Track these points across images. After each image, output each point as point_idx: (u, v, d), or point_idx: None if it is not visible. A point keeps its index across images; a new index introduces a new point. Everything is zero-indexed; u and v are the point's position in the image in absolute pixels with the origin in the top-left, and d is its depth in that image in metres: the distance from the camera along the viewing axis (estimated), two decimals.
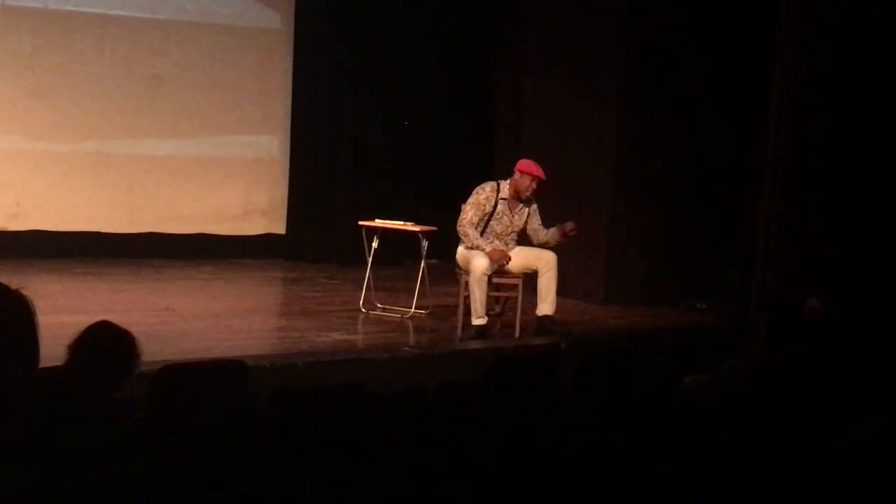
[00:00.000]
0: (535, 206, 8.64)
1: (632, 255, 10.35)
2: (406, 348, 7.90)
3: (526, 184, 8.46)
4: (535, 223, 8.62)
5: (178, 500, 3.18)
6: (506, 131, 11.51)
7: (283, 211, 12.17)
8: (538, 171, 8.47)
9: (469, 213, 8.49)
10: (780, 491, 3.59)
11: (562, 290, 8.72)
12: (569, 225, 8.48)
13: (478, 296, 8.32)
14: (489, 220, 8.51)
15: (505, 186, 8.54)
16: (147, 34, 11.37)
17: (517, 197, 8.53)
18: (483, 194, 8.52)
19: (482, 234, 8.50)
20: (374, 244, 9.16)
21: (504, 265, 8.46)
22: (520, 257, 8.57)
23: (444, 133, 12.22)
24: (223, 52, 11.76)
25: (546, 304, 8.50)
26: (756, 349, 5.33)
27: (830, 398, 4.60)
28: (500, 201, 8.51)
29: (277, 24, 12.07)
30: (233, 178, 11.92)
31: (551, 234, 8.57)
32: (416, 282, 9.02)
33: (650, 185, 10.29)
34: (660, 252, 10.33)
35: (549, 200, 9.88)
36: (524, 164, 8.55)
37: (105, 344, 3.92)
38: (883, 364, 5.04)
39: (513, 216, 8.56)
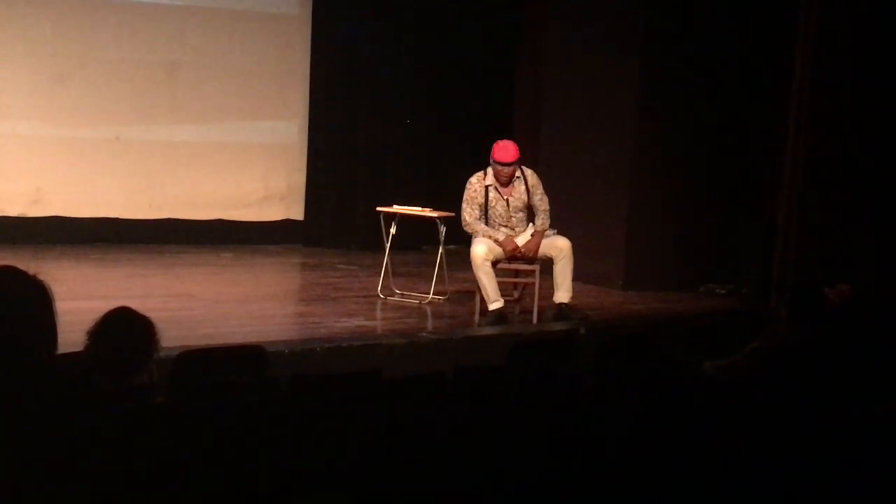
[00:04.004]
0: (533, 179, 8.51)
1: (651, 240, 10.29)
2: (424, 334, 7.88)
3: (497, 170, 8.39)
4: (535, 199, 8.50)
5: (196, 486, 3.18)
6: (525, 117, 11.46)
7: (302, 196, 12.17)
8: (497, 155, 8.35)
9: (466, 210, 8.47)
10: (800, 473, 3.57)
11: (581, 276, 8.68)
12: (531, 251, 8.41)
13: (485, 282, 8.30)
14: (486, 209, 8.48)
15: (490, 172, 8.48)
16: (166, 20, 11.36)
17: (500, 182, 8.46)
18: (472, 188, 8.48)
19: (487, 223, 8.46)
20: (393, 230, 9.15)
21: (517, 254, 8.42)
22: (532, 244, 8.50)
23: (464, 118, 12.17)
24: (241, 38, 11.75)
25: (562, 292, 8.45)
26: (777, 332, 5.31)
27: (851, 380, 4.58)
28: (489, 188, 8.46)
29: (295, 10, 12.06)
30: (251, 164, 11.93)
31: (534, 231, 8.50)
32: (435, 267, 9.02)
33: (670, 169, 10.23)
34: (679, 237, 10.28)
35: (571, 187, 9.81)
36: (493, 149, 8.43)
37: (124, 329, 3.92)
38: None
39: (506, 198, 8.48)
